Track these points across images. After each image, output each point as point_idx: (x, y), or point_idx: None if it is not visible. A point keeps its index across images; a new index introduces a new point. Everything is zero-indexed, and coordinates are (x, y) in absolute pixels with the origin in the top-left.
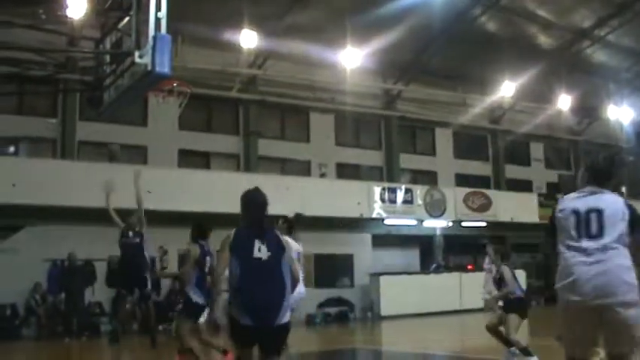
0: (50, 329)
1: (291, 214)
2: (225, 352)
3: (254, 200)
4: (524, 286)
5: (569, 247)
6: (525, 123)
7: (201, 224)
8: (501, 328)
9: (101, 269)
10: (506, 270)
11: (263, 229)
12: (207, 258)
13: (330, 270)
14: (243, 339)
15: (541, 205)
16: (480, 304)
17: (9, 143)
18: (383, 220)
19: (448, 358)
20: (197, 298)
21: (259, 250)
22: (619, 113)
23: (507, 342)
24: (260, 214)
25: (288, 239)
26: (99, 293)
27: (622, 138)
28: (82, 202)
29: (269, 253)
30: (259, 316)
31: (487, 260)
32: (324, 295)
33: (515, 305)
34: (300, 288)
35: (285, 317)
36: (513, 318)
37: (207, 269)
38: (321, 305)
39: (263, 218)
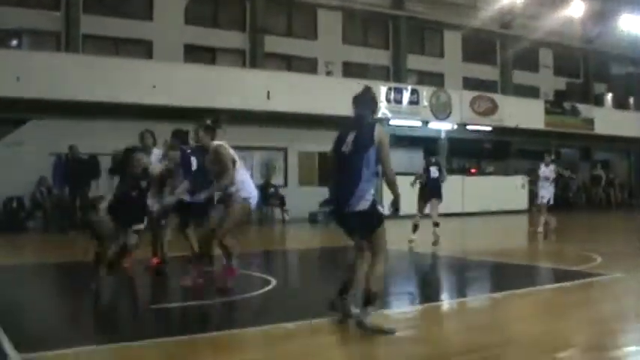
0: (56, 222)
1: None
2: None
3: (355, 98)
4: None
5: None
6: (536, 29)
7: (182, 130)
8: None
9: (105, 164)
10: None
11: (359, 124)
12: (193, 158)
13: None
14: (339, 224)
15: (547, 112)
16: (481, 207)
17: (12, 36)
18: (388, 120)
19: (447, 257)
20: (186, 197)
21: (347, 145)
22: (633, 23)
23: None
24: (358, 111)
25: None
26: (103, 188)
27: (635, 49)
28: (86, 96)
29: (352, 147)
30: (335, 204)
31: (542, 167)
32: (326, 194)
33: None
34: (252, 191)
35: (359, 205)
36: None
37: (194, 167)
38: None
39: (361, 114)
